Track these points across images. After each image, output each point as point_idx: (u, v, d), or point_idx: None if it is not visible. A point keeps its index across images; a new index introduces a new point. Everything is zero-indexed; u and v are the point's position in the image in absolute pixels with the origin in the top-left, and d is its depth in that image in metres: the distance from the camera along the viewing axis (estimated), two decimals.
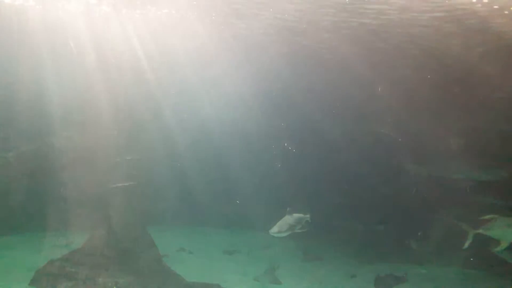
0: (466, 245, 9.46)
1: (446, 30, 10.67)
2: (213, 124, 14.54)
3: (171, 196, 15.34)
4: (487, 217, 9.12)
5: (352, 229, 14.58)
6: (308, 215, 10.21)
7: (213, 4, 10.50)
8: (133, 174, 10.32)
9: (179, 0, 10.37)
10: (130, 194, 10.20)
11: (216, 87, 13.26)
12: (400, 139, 13.19)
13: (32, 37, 11.16)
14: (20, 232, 13.60)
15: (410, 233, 13.56)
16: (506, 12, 9.37)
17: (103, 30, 11.26)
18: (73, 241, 12.24)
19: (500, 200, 11.76)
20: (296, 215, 9.90)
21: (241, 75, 13.09)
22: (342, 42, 11.76)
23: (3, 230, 13.40)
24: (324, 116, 13.65)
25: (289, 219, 9.68)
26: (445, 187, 12.69)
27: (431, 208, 13.11)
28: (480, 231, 9.17)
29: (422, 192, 13.22)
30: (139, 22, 11.30)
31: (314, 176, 14.27)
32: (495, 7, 9.24)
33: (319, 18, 10.71)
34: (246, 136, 15.02)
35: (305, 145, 13.98)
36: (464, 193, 12.43)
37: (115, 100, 10.28)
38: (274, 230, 9.35)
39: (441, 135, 12.49)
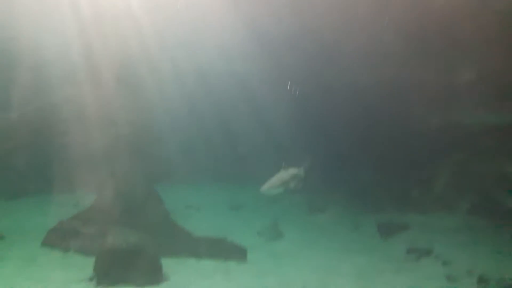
0: None
1: None
2: (215, 78, 14.33)
3: (177, 153, 15.49)
4: None
5: (356, 180, 14.66)
6: (302, 170, 9.76)
7: None
8: (137, 132, 10.25)
9: None
10: (136, 152, 10.24)
11: (214, 37, 12.81)
12: (405, 83, 12.74)
13: None
14: (29, 195, 13.91)
15: (413, 182, 13.69)
16: None
17: None
18: (81, 201, 12.52)
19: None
20: (292, 170, 9.35)
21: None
22: None
23: (13, 193, 13.70)
24: (327, 61, 13.20)
25: (283, 175, 9.12)
26: (452, 132, 12.55)
27: (435, 155, 13.09)
28: None
29: (427, 139, 13.07)
30: None
31: (318, 127, 14.15)
32: None
33: None
34: (248, 90, 14.85)
35: (307, 95, 13.70)
36: (472, 138, 12.25)
37: (116, 56, 9.99)
38: (265, 187, 8.78)
39: (450, 78, 12.01)
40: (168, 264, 8.64)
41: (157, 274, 8.18)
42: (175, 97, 13.59)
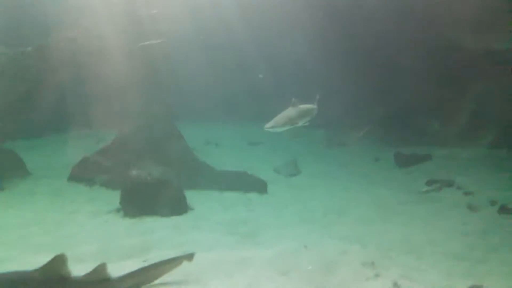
0: None
1: None
2: (231, 17, 13.83)
3: (196, 90, 15.38)
4: None
5: (377, 114, 14.40)
6: (314, 106, 8.96)
7: None
8: (157, 69, 10.01)
9: None
10: (156, 88, 10.12)
11: None
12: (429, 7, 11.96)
13: None
14: (53, 133, 14.16)
15: (435, 115, 13.39)
16: None
17: None
18: (104, 138, 12.73)
19: None
20: (302, 107, 8.55)
21: None
22: None
23: (37, 131, 13.98)
24: None
25: (290, 111, 8.34)
26: (476, 63, 12.00)
27: (458, 87, 12.63)
28: None
29: (450, 70, 12.55)
30: None
31: (336, 61, 13.66)
32: None
33: None
34: (265, 27, 14.33)
35: (325, 27, 13.07)
36: (496, 68, 11.71)
37: None
38: (268, 125, 8.03)
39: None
40: (191, 196, 8.85)
41: (181, 205, 8.40)
42: (193, 37, 13.25)
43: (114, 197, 8.84)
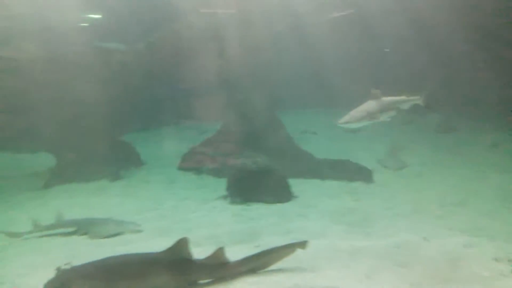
0: None
1: None
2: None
3: (295, 79, 15.35)
4: None
5: (490, 98, 13.02)
6: (418, 97, 7.40)
7: None
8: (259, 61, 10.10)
9: None
10: (258, 80, 10.25)
11: None
12: None
13: None
14: (160, 125, 15.22)
15: None
16: None
17: None
18: (206, 130, 13.33)
19: None
20: (386, 99, 7.16)
21: None
22: None
23: (146, 124, 15.12)
24: None
25: (369, 104, 7.04)
26: None
27: None
28: None
29: None
30: None
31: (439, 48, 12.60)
32: None
33: None
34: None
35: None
36: None
37: None
38: (343, 120, 6.89)
39: None
40: (294, 184, 8.82)
41: (285, 192, 8.42)
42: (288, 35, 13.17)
43: (220, 185, 9.18)
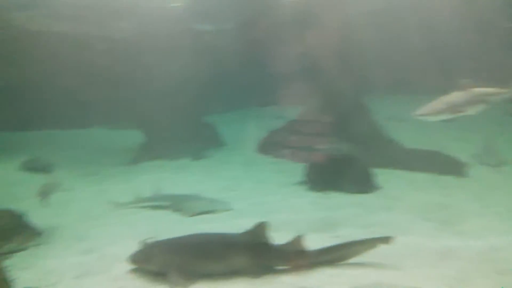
0: None
1: None
2: None
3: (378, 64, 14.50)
4: None
5: None
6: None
7: None
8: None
9: None
10: (344, 63, 9.81)
11: None
12: None
13: None
14: (238, 108, 15.38)
15: None
16: None
17: None
18: (282, 114, 13.17)
19: None
20: (474, 91, 6.18)
21: None
22: None
23: (227, 106, 15.39)
24: None
25: (454, 96, 6.19)
26: None
27: None
28: None
29: None
30: None
31: None
32: None
33: None
34: None
35: None
36: None
37: None
38: (420, 112, 6.22)
39: None
40: (379, 174, 8.35)
41: (368, 183, 8.01)
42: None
43: (299, 170, 9.01)
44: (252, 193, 8.11)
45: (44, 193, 7.14)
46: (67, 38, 9.80)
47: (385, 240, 4.87)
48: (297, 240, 4.73)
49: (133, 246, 5.40)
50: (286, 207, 7.17)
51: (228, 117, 15.29)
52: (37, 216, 6.70)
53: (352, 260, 4.85)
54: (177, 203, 7.32)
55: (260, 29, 10.59)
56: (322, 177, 8.18)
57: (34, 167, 9.97)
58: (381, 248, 4.87)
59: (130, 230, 6.30)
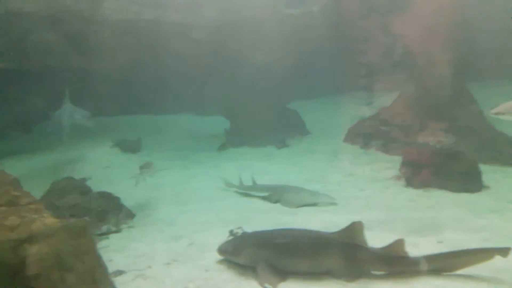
0: None
1: None
2: None
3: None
4: None
5: None
6: None
7: None
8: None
9: None
10: (443, 47, 8.84)
11: None
12: None
13: None
14: (324, 94, 14.80)
15: None
16: None
17: None
18: (372, 101, 12.38)
19: None
20: None
21: None
22: None
23: (311, 93, 14.91)
24: None
25: None
26: None
27: None
28: None
29: None
30: None
31: None
32: None
33: None
34: None
35: None
36: None
37: None
38: (495, 110, 5.90)
39: None
40: (486, 172, 7.36)
41: (474, 181, 7.06)
42: None
43: (392, 163, 8.35)
44: (340, 187, 7.65)
45: (142, 173, 7.39)
46: (158, 26, 10.03)
47: (503, 251, 4.20)
48: (397, 244, 4.26)
49: (222, 235, 5.36)
50: (380, 204, 6.59)
51: (312, 103, 14.81)
52: (130, 198, 6.98)
53: (461, 271, 4.26)
54: (276, 195, 7.01)
55: (347, 11, 9.91)
56: (421, 172, 7.42)
57: (127, 148, 10.51)
58: (496, 260, 4.22)
59: (219, 218, 6.27)
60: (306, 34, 10.81)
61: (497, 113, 5.95)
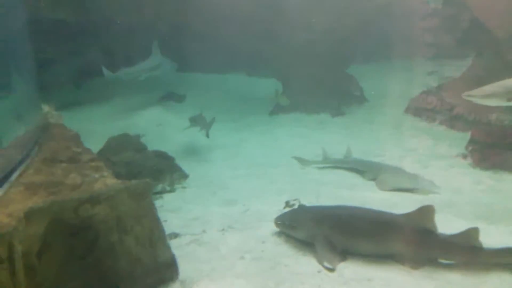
0: None
1: None
2: None
3: None
4: None
5: None
6: None
7: None
8: None
9: None
10: None
11: None
12: None
13: None
14: (380, 59, 13.86)
15: None
16: None
17: None
18: (436, 70, 11.53)
19: None
20: None
21: None
22: None
23: (370, 57, 14.04)
24: None
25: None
26: None
27: None
28: None
29: None
30: None
31: None
32: None
33: None
34: None
35: None
36: None
37: None
38: (468, 92, 5.49)
39: None
40: None
41: None
42: None
43: (458, 140, 7.76)
44: (401, 163, 7.13)
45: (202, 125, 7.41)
46: None
47: None
48: (470, 233, 3.89)
49: (278, 205, 5.19)
50: (445, 185, 6.09)
51: (372, 68, 13.91)
52: (184, 159, 6.95)
53: None
54: (374, 172, 6.47)
55: None
56: (491, 151, 6.80)
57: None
58: None
59: (273, 186, 6.11)
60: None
61: (469, 96, 5.54)
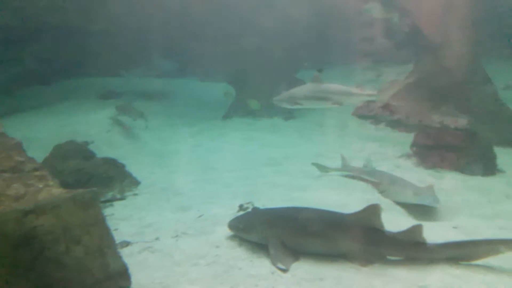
0: None
1: None
2: None
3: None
4: None
5: None
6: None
7: None
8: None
9: None
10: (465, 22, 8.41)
11: None
12: None
13: None
14: (336, 64, 14.31)
15: None
16: None
17: None
18: (384, 72, 12.06)
19: None
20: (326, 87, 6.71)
21: None
22: None
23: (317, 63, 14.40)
24: None
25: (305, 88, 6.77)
26: None
27: None
28: None
29: None
30: None
31: None
32: None
33: None
34: None
35: None
36: None
37: None
38: (277, 97, 6.74)
39: None
40: (501, 155, 7.19)
41: (489, 164, 6.90)
42: None
43: (402, 140, 8.17)
44: (350, 164, 7.41)
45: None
46: None
47: None
48: (414, 230, 4.09)
49: (232, 208, 5.19)
50: None
51: (322, 74, 14.29)
52: (135, 165, 6.78)
53: (481, 261, 4.12)
54: (386, 184, 6.22)
55: None
56: (432, 152, 7.22)
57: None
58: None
59: (227, 190, 6.10)
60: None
61: (275, 100, 6.61)
